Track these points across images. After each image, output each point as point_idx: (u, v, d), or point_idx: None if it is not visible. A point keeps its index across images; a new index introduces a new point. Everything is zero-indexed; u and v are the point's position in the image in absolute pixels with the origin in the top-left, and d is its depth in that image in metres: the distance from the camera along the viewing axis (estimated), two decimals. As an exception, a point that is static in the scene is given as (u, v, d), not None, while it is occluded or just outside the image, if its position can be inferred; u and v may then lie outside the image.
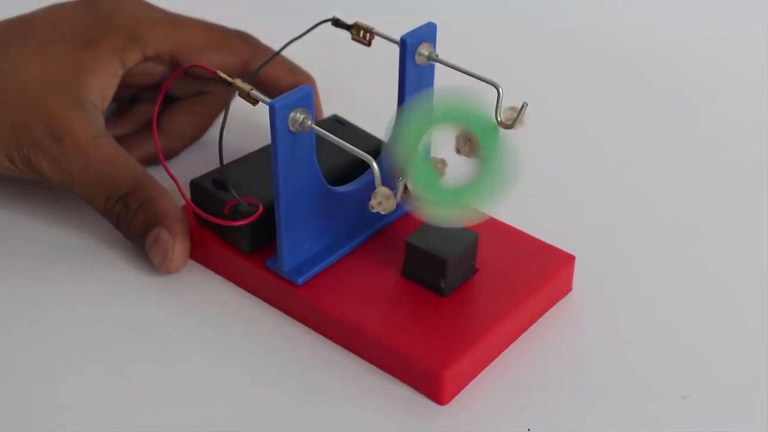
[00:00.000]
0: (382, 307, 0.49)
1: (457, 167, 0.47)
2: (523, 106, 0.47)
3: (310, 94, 0.46)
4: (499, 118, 0.47)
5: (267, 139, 0.59)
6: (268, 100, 0.46)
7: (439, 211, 0.46)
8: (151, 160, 0.59)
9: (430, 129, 0.46)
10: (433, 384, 0.46)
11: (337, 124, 0.57)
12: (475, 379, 0.48)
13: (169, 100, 0.61)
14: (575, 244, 0.55)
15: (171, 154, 0.61)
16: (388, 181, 0.46)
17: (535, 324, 0.51)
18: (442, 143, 0.48)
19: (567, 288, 0.53)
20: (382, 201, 0.45)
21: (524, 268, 0.51)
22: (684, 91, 0.70)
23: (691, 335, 0.51)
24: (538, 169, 0.58)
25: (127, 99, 0.61)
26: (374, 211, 0.45)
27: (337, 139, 0.47)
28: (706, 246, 0.56)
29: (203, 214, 0.51)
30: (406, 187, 0.45)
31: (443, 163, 0.48)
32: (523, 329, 0.50)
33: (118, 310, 0.51)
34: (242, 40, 0.59)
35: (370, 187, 0.52)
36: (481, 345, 0.48)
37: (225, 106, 0.50)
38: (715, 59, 0.74)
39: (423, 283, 0.50)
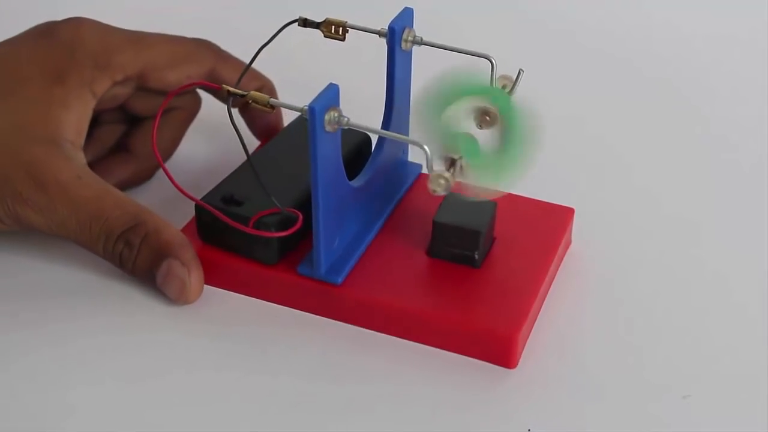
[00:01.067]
0: (425, 288, 0.51)
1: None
2: (519, 72, 0.49)
3: (338, 93, 0.46)
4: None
5: (233, 147, 0.59)
6: (291, 104, 0.46)
7: (491, 176, 0.47)
8: (125, 186, 0.57)
9: (455, 105, 0.47)
10: (505, 349, 0.48)
11: None
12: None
13: (134, 121, 0.59)
14: (575, 244, 0.55)
15: (146, 177, 0.59)
16: (382, 165, 0.48)
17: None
18: (464, 119, 0.49)
19: (569, 242, 0.55)
20: (442, 182, 0.45)
21: (534, 227, 0.54)
22: (684, 91, 0.70)
23: (691, 335, 0.51)
24: (537, 169, 0.58)
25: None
26: (436, 194, 0.45)
27: (382, 130, 0.47)
28: (706, 246, 0.56)
29: (256, 232, 0.49)
30: (454, 163, 0.46)
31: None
32: (549, 287, 0.52)
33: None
34: (205, 48, 0.58)
35: (379, 176, 0.53)
36: (534, 306, 0.50)
37: (229, 119, 0.49)
38: (715, 59, 0.74)
39: (453, 258, 0.51)
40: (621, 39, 0.76)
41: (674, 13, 0.77)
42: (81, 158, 0.52)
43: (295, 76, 0.63)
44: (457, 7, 0.78)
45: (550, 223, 0.54)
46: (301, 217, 0.49)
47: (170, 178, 0.49)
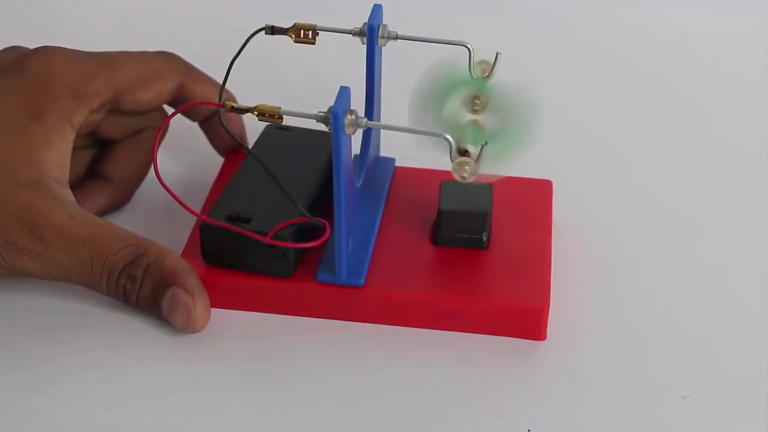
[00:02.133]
0: (445, 276, 0.51)
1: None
2: (496, 56, 0.50)
3: (350, 95, 0.46)
4: (474, 75, 0.50)
5: (211, 159, 0.59)
6: (303, 112, 0.46)
7: (504, 154, 0.48)
8: (103, 214, 0.56)
9: (450, 99, 0.49)
10: (536, 323, 0.50)
11: (282, 132, 0.56)
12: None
13: (104, 145, 0.57)
14: (575, 244, 0.55)
15: (123, 202, 0.57)
16: (369, 162, 0.48)
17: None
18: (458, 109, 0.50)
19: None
20: (467, 168, 0.46)
21: (519, 203, 0.55)
22: (684, 91, 0.70)
23: (691, 335, 0.51)
24: (536, 170, 0.58)
25: None
26: (465, 180, 0.46)
27: (405, 126, 0.47)
28: (706, 245, 0.56)
29: (288, 244, 0.49)
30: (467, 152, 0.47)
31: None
32: None
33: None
34: (172, 62, 0.56)
35: (369, 174, 0.54)
36: (549, 279, 0.51)
37: (228, 133, 0.49)
38: (715, 59, 0.74)
39: (460, 243, 0.52)
40: (621, 39, 0.76)
41: (674, 13, 0.77)
42: (69, 195, 0.51)
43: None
44: (456, 6, 0.78)
45: (532, 197, 0.56)
46: (328, 225, 0.49)
47: (178, 200, 0.48)
